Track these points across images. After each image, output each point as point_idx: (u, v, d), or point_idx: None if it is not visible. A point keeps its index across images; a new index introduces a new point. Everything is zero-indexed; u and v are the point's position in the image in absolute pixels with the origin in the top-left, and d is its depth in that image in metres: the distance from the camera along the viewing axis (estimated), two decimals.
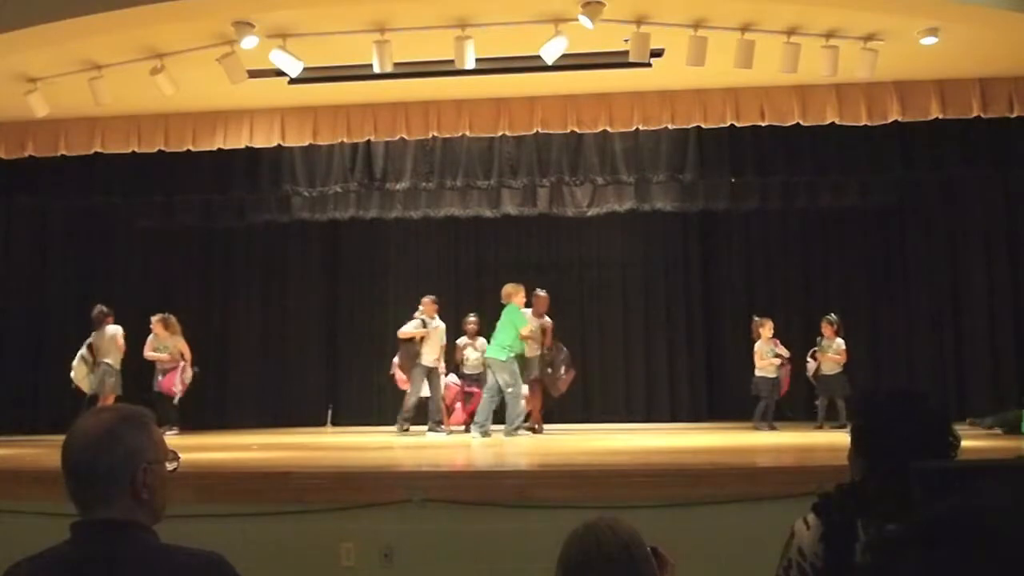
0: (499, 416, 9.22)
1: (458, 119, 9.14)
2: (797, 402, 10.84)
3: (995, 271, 10.71)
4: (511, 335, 9.12)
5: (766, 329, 10.00)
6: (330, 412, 11.10)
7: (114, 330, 10.27)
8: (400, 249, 12.45)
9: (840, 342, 9.98)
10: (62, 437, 1.93)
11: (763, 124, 8.88)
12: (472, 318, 10.49)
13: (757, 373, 9.96)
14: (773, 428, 9.69)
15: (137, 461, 1.88)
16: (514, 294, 9.41)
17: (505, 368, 9.05)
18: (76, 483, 1.87)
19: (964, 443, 2.06)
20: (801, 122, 8.77)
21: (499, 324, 9.31)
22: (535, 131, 9.19)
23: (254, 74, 7.66)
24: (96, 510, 1.85)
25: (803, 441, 8.35)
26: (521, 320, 9.23)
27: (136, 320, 11.72)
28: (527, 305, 9.65)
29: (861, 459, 2.05)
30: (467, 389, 10.19)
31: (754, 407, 9.98)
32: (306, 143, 9.49)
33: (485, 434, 8.93)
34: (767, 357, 9.93)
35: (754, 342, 10.06)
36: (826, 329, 10.05)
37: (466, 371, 10.31)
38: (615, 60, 7.80)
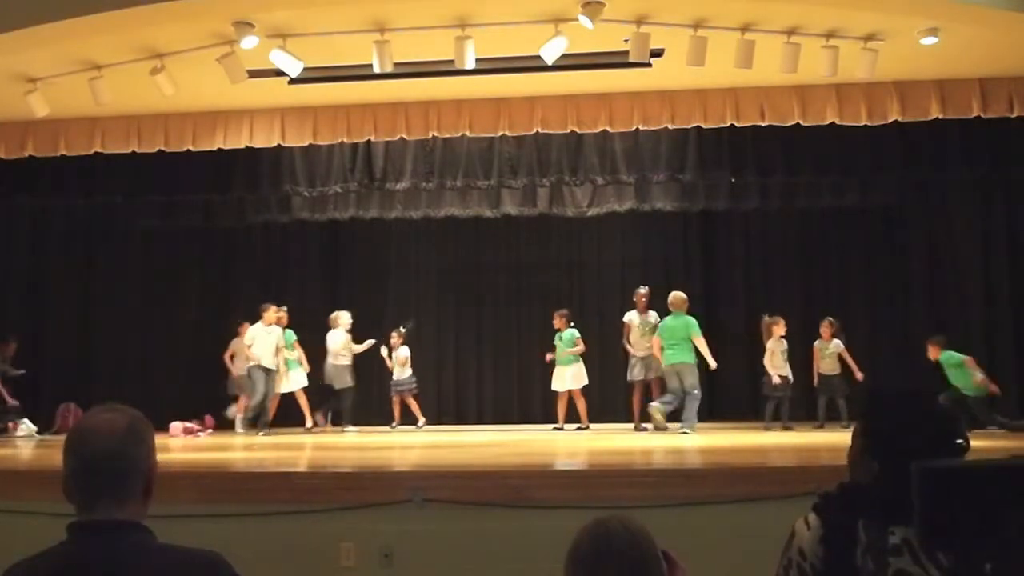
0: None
1: (458, 119, 9.14)
2: (797, 402, 10.84)
3: (995, 271, 10.70)
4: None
5: (779, 328, 9.99)
6: (330, 412, 11.09)
7: (241, 340, 10.71)
8: (400, 249, 12.44)
9: (837, 342, 10.00)
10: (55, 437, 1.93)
11: (763, 124, 8.89)
12: (403, 330, 11.03)
13: (769, 372, 9.95)
14: (788, 428, 9.67)
15: (152, 460, 1.92)
16: (685, 303, 9.59)
17: (694, 372, 9.28)
18: (95, 479, 1.85)
19: (982, 443, 2.07)
20: (801, 122, 8.78)
21: (679, 330, 9.41)
22: (535, 131, 9.20)
23: (254, 74, 7.67)
24: (102, 509, 1.84)
25: (803, 441, 8.34)
26: (696, 328, 9.38)
27: (136, 320, 11.75)
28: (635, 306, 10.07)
29: (866, 458, 2.04)
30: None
31: (756, 406, 9.98)
32: (306, 143, 9.50)
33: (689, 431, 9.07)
34: (779, 357, 9.93)
35: (764, 341, 10.04)
36: (824, 330, 10.06)
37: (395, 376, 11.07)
38: (615, 60, 7.81)
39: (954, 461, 1.62)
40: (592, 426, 10.43)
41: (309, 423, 10.65)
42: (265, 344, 10.08)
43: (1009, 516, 1.48)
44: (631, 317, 10.14)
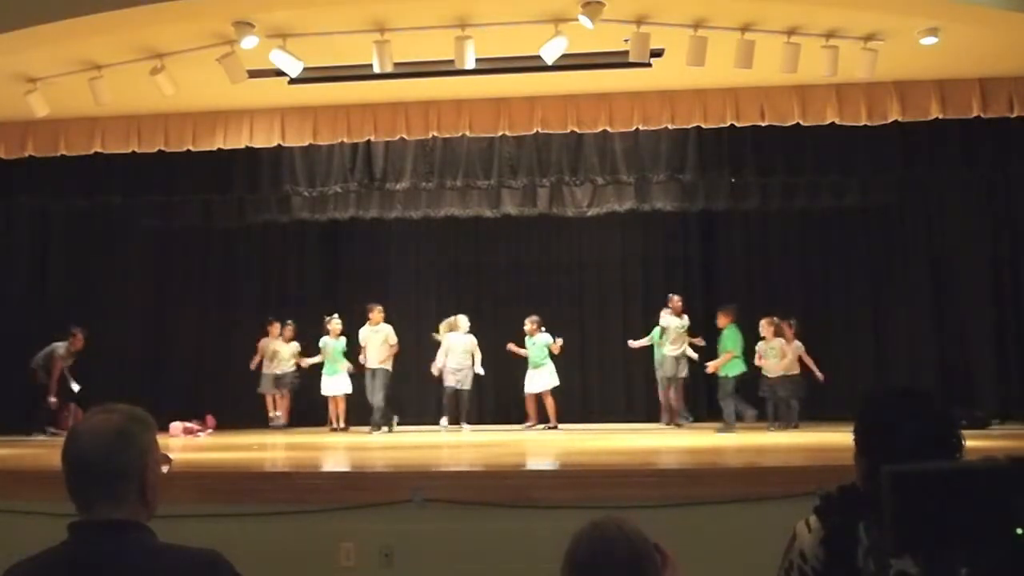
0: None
1: (458, 119, 9.13)
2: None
3: (996, 271, 10.71)
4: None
5: (763, 328, 10.02)
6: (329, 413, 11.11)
7: (270, 339, 11.19)
8: (400, 249, 12.44)
9: (781, 341, 10.01)
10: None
11: (763, 124, 8.88)
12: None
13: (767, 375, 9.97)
14: (794, 427, 9.70)
15: (147, 460, 1.91)
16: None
17: None
18: (86, 481, 1.86)
19: (982, 443, 2.05)
20: (801, 122, 8.77)
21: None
22: (535, 131, 9.19)
23: (254, 74, 7.66)
24: (99, 509, 1.85)
25: (804, 441, 8.35)
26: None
27: (136, 320, 11.75)
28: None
29: (863, 459, 2.04)
30: None
31: (756, 407, 10.00)
32: (306, 143, 9.49)
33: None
34: (765, 358, 9.96)
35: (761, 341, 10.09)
36: (784, 331, 10.06)
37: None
38: (615, 60, 7.80)
39: (925, 464, 1.61)
40: (592, 426, 10.45)
41: (335, 424, 10.83)
42: (374, 344, 10.37)
43: (982, 520, 1.47)
44: (668, 320, 10.53)
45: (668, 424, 10.41)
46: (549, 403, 10.63)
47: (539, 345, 10.63)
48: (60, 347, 10.62)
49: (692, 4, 7.00)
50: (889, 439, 1.98)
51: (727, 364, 9.68)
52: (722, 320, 9.88)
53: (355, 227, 11.75)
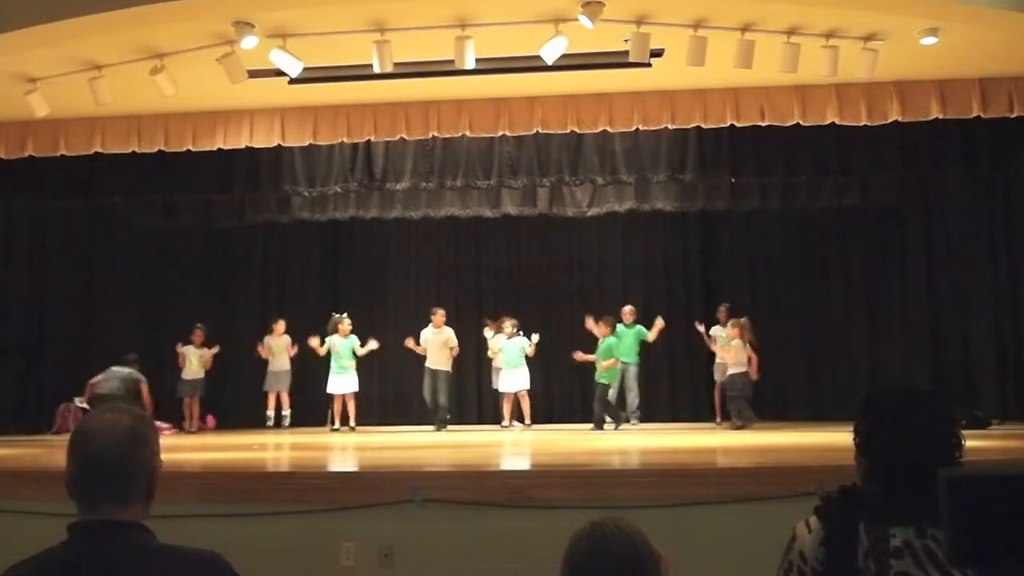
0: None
1: (458, 119, 9.14)
2: (796, 401, 10.88)
3: (995, 271, 10.71)
4: None
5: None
6: (330, 412, 11.11)
7: (274, 337, 11.16)
8: (400, 249, 12.45)
9: (739, 343, 10.07)
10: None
11: (763, 124, 8.88)
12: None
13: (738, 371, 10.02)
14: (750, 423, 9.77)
15: (155, 462, 1.92)
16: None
17: None
18: (98, 480, 1.85)
19: (980, 443, 2.05)
20: (801, 122, 8.77)
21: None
22: (535, 131, 9.20)
23: (254, 74, 7.66)
24: (105, 509, 1.84)
25: (803, 441, 8.34)
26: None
27: (136, 320, 11.75)
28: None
29: (864, 459, 2.04)
30: None
31: (755, 406, 10.00)
32: (306, 143, 9.49)
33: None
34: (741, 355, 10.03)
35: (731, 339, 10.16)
36: (733, 331, 10.14)
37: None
38: (615, 60, 7.80)
39: (985, 469, 1.54)
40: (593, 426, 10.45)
41: (337, 424, 10.87)
42: (435, 346, 10.71)
43: None
44: (716, 331, 10.75)
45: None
46: (525, 403, 10.82)
47: (517, 347, 10.81)
48: (134, 373, 10.12)
49: (692, 4, 7.01)
50: (890, 439, 1.98)
51: (609, 371, 10.18)
52: (603, 330, 10.29)
53: (355, 227, 11.76)
